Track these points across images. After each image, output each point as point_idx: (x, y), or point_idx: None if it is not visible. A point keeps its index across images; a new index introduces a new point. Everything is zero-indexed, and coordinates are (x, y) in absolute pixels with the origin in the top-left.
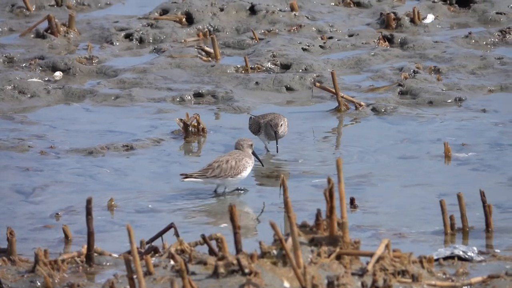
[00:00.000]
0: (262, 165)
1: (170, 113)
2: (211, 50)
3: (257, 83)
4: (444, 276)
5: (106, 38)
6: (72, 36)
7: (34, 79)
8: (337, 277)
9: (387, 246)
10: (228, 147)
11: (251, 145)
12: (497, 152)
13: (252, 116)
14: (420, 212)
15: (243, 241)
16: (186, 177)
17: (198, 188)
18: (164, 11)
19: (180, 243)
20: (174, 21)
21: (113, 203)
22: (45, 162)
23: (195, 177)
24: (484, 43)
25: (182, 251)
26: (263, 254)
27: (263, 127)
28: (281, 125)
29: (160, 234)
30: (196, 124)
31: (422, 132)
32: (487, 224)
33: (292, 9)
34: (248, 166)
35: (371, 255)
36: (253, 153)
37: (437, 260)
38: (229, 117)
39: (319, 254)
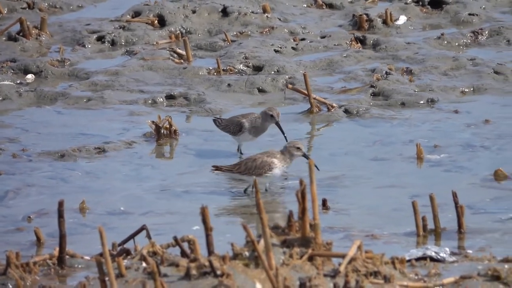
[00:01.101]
0: (318, 169)
1: (142, 116)
2: (183, 52)
3: (229, 85)
4: (416, 277)
5: (78, 41)
6: (44, 38)
7: (6, 82)
8: (309, 278)
9: (359, 247)
10: (201, 149)
11: (299, 148)
12: (469, 154)
13: (218, 118)
14: (392, 213)
15: (215, 243)
16: (216, 169)
17: (170, 190)
18: (136, 14)
19: (152, 245)
20: (146, 23)
21: (85, 205)
22: (17, 165)
23: (223, 170)
24: (457, 44)
25: (154, 253)
26: (235, 256)
27: (249, 125)
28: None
29: (132, 236)
30: (168, 126)
31: (394, 133)
32: (459, 225)
33: (265, 11)
34: (274, 168)
35: (343, 256)
36: (305, 155)
37: (409, 261)
38: (201, 119)
39: (291, 256)
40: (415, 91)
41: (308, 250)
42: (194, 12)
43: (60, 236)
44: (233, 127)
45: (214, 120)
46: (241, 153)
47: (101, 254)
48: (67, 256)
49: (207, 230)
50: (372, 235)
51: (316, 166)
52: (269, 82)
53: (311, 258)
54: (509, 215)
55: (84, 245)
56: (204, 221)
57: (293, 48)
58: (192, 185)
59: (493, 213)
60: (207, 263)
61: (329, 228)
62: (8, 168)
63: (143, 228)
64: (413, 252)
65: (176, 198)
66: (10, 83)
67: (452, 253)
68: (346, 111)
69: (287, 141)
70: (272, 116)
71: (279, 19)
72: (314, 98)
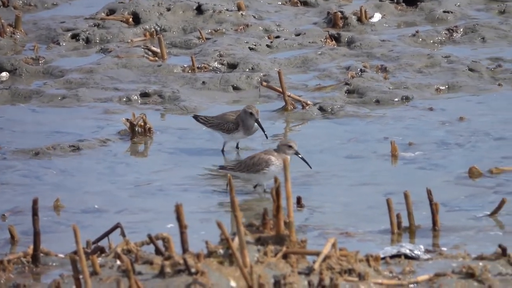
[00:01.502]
0: (310, 167)
1: (117, 114)
2: (158, 50)
3: (203, 82)
4: (390, 275)
5: (52, 39)
6: (18, 36)
7: None
8: (284, 276)
9: (333, 245)
10: (175, 147)
11: (291, 146)
12: (444, 151)
13: (200, 116)
14: (367, 211)
15: (190, 240)
16: (222, 168)
17: (144, 188)
18: (111, 11)
19: (126, 243)
20: (121, 21)
21: (59, 203)
22: None
23: (227, 170)
24: (431, 41)
25: (128, 251)
26: (210, 254)
27: (241, 122)
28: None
29: (106, 234)
30: (142, 124)
31: (369, 131)
32: (434, 223)
33: (239, 8)
34: (271, 164)
35: (317, 254)
36: (297, 153)
37: (383, 258)
38: (176, 117)
39: (265, 253)
40: (390, 89)
41: (282, 248)
42: (168, 9)
43: (34, 234)
44: (228, 125)
45: (196, 117)
46: (223, 151)
47: (75, 252)
48: (42, 254)
49: (182, 227)
50: (346, 233)
51: (308, 164)
52: (243, 80)
53: (285, 256)
54: (484, 213)
55: (59, 243)
56: (179, 219)
57: (267, 45)
58: (166, 183)
59: (467, 210)
60: (181, 261)
61: (304, 226)
62: None
63: (117, 226)
64: (387, 250)
65: (150, 196)
66: None
67: (427, 251)
68: (321, 109)
69: (267, 138)
70: (251, 113)
71: (254, 17)
72: (289, 96)
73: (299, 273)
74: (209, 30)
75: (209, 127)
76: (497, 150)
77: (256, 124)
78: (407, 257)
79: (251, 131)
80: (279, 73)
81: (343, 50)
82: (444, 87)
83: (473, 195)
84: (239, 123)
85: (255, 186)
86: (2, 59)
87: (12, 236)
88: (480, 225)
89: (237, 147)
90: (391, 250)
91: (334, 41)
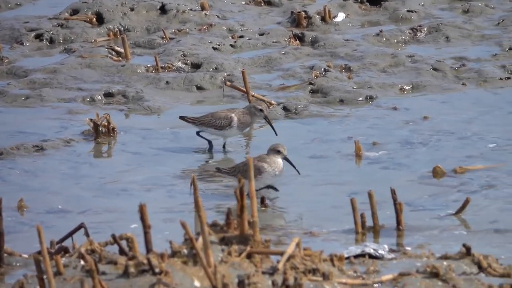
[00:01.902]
0: (299, 173)
1: (81, 114)
2: (122, 50)
3: (167, 82)
4: (355, 274)
5: (16, 39)
6: None
7: None
8: (248, 276)
9: (297, 245)
10: (139, 147)
11: (279, 151)
12: (408, 150)
13: (188, 117)
14: (331, 211)
15: (154, 240)
16: (218, 171)
17: (108, 188)
18: (75, 11)
19: (90, 243)
20: (85, 21)
21: (23, 203)
22: None
23: (222, 172)
24: (395, 41)
25: (92, 251)
26: (174, 254)
27: (237, 120)
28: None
29: (70, 234)
30: (106, 124)
31: (333, 131)
32: (398, 222)
33: (203, 8)
34: (264, 172)
35: (281, 253)
36: (286, 159)
37: (348, 258)
38: (140, 117)
39: (229, 253)
40: (354, 88)
41: (246, 248)
42: (132, 9)
43: None
44: (221, 121)
45: (183, 118)
46: (224, 148)
47: (39, 252)
48: (5, 254)
49: (145, 227)
50: (310, 233)
51: (297, 170)
52: (207, 80)
53: (249, 256)
54: (448, 212)
55: (23, 243)
56: (142, 219)
57: (231, 45)
58: (130, 183)
59: (431, 210)
60: (145, 261)
61: (268, 226)
62: None
63: (81, 226)
64: (351, 249)
65: (114, 196)
66: None
67: (391, 250)
68: (285, 109)
69: (276, 134)
70: (261, 110)
71: (218, 17)
72: (253, 96)
73: (263, 272)
74: (173, 30)
75: (199, 126)
76: (461, 149)
77: (265, 120)
78: (371, 256)
79: (244, 128)
80: (243, 73)
81: (307, 50)
82: (408, 87)
83: (437, 194)
84: (232, 120)
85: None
86: None
87: None
88: (444, 224)
89: (223, 147)
90: (355, 249)
91: (298, 41)
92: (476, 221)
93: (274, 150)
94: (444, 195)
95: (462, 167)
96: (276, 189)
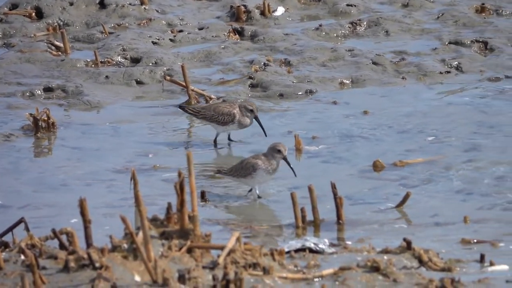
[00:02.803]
0: (295, 175)
1: (20, 108)
2: (61, 45)
3: (107, 77)
4: (295, 269)
5: None
6: None
7: None
8: (188, 270)
9: (238, 239)
10: (79, 142)
11: (279, 150)
12: (348, 144)
13: (187, 107)
14: (271, 205)
15: (94, 235)
16: (218, 172)
17: (48, 183)
18: (14, 6)
19: (30, 237)
20: (24, 15)
21: None
22: None
23: (222, 173)
24: (335, 35)
25: (32, 246)
26: (114, 248)
27: (238, 116)
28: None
29: (10, 229)
30: (46, 119)
31: (272, 125)
32: (338, 216)
33: (142, 2)
34: (258, 169)
35: (222, 248)
36: (285, 159)
37: (288, 252)
38: (80, 112)
39: (170, 248)
40: (294, 83)
41: (187, 242)
42: (71, 4)
43: None
44: (224, 117)
45: (183, 108)
46: (215, 144)
47: None
48: None
49: (86, 222)
50: (251, 227)
51: (294, 171)
52: (147, 74)
53: (190, 250)
54: (388, 206)
55: None
56: (83, 214)
57: (171, 40)
58: (70, 178)
59: (372, 203)
60: (85, 256)
61: (208, 220)
62: None
63: (21, 221)
64: (292, 244)
65: (54, 191)
66: None
67: (332, 245)
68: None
69: (266, 135)
70: (252, 110)
71: (157, 11)
72: (192, 90)
73: (204, 267)
74: (112, 25)
75: (201, 118)
76: (400, 143)
77: (255, 120)
78: (311, 251)
79: (243, 126)
80: (182, 67)
81: (246, 44)
82: (347, 81)
83: (377, 188)
84: (235, 115)
85: (249, 190)
86: None
87: None
88: (385, 218)
89: (229, 138)
90: (295, 244)
91: (237, 35)
92: (416, 214)
93: (275, 149)
94: (384, 188)
95: (401, 161)
96: (259, 197)
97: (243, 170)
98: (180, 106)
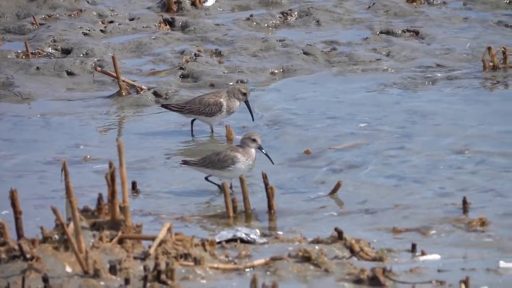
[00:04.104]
0: (272, 162)
1: None
2: None
3: (38, 68)
4: (227, 259)
5: None
6: None
7: None
8: (119, 261)
9: (169, 230)
10: (10, 134)
11: (255, 140)
12: (277, 132)
13: (170, 105)
14: (202, 195)
15: (25, 226)
16: (185, 163)
17: None
18: None
19: None
20: None
21: None
22: None
23: (190, 164)
24: (266, 25)
25: None
26: (45, 239)
27: (226, 104)
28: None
29: None
30: None
31: None
32: (270, 207)
33: None
34: (237, 162)
35: (153, 239)
36: (260, 147)
37: (219, 243)
38: (10, 104)
39: (101, 239)
40: (225, 73)
41: (118, 233)
42: None
43: None
44: (211, 108)
45: (166, 106)
46: (212, 131)
47: None
48: None
49: (16, 213)
50: (182, 218)
51: (271, 160)
52: (77, 65)
53: (121, 241)
54: (318, 194)
55: None
56: (13, 205)
57: (101, 30)
58: (1, 169)
59: (302, 192)
60: (16, 247)
61: (139, 211)
62: None
63: None
64: (223, 234)
65: None
66: None
67: (263, 235)
68: (156, 94)
69: (253, 120)
70: (244, 94)
71: (88, 2)
72: (123, 81)
73: (135, 258)
74: (43, 16)
75: (187, 114)
76: (332, 130)
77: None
78: (243, 241)
79: (231, 112)
80: (113, 58)
81: (177, 35)
82: (278, 71)
83: (307, 176)
84: (222, 104)
85: (207, 178)
86: None
87: None
88: (316, 206)
89: (211, 130)
90: (226, 234)
91: (168, 26)
92: (346, 201)
93: (250, 139)
94: (314, 176)
95: (331, 147)
96: (220, 189)
97: (220, 162)
98: (163, 105)
